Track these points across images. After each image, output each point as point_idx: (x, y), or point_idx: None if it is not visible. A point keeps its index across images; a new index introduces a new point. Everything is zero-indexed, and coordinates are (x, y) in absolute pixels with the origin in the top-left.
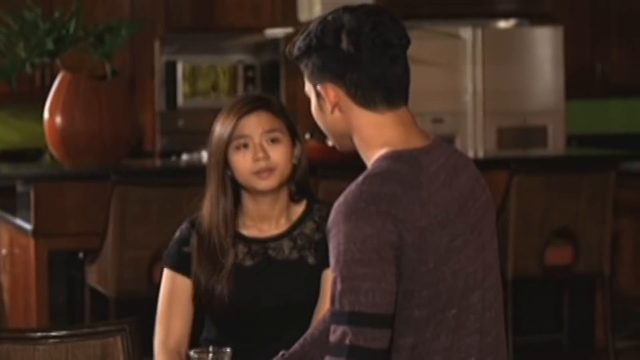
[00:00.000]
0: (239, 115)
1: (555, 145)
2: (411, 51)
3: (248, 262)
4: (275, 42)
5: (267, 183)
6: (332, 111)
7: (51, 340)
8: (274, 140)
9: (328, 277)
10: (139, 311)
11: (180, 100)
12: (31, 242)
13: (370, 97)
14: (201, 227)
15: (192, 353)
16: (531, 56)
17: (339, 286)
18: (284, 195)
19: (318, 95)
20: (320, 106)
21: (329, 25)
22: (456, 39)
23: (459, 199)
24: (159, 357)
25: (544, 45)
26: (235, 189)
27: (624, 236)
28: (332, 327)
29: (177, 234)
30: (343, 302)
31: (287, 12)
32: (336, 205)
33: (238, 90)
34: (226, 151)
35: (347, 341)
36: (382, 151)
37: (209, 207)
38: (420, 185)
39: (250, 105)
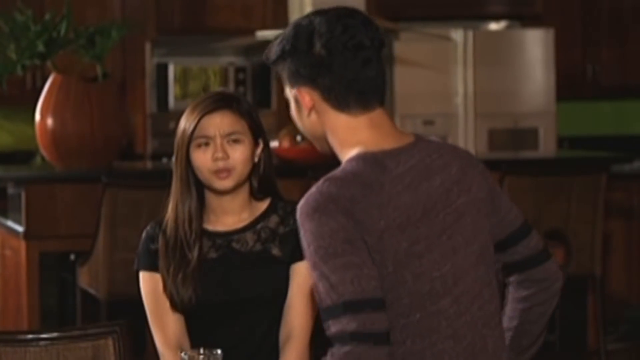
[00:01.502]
0: (202, 113)
1: (546, 147)
2: (402, 53)
3: (212, 255)
4: (266, 44)
5: (224, 183)
6: (309, 114)
7: (42, 343)
8: (235, 141)
9: (296, 271)
10: (130, 313)
11: (171, 102)
12: (22, 244)
13: (344, 100)
14: (167, 225)
15: (183, 355)
16: (522, 58)
17: (322, 284)
18: (244, 190)
19: (296, 98)
20: (299, 109)
21: (302, 30)
22: (447, 40)
23: (426, 203)
24: (165, 359)
25: (535, 47)
26: (198, 185)
27: (614, 238)
28: (327, 324)
29: (144, 234)
30: (332, 296)
31: (278, 14)
32: (298, 207)
33: None
34: (188, 148)
35: (348, 329)
36: (353, 152)
37: (174, 204)
38: (381, 187)
39: (214, 105)
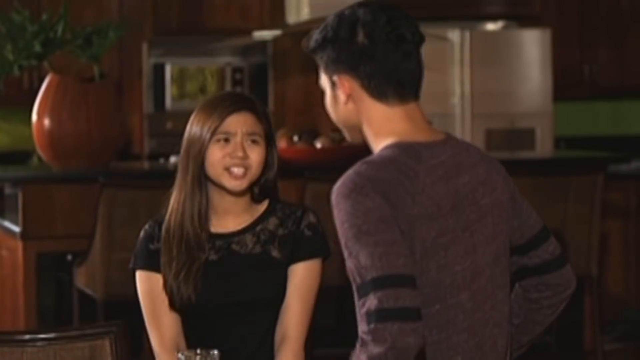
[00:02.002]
0: (229, 110)
1: (543, 147)
2: None
3: (212, 257)
4: (263, 44)
5: (239, 183)
6: (346, 102)
7: (39, 343)
8: (254, 142)
9: (294, 272)
10: (127, 313)
11: (168, 102)
12: (19, 245)
13: (383, 89)
14: (170, 222)
15: (179, 355)
16: (519, 58)
17: (353, 262)
18: (247, 193)
19: (333, 87)
20: (335, 98)
21: (345, 19)
22: (444, 41)
23: (455, 197)
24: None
25: (532, 47)
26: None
27: (611, 238)
28: (360, 303)
29: (142, 233)
30: (362, 273)
31: (275, 15)
32: (335, 188)
33: None
34: (208, 144)
35: (374, 307)
36: (388, 141)
37: (181, 200)
38: (417, 175)
39: (240, 104)
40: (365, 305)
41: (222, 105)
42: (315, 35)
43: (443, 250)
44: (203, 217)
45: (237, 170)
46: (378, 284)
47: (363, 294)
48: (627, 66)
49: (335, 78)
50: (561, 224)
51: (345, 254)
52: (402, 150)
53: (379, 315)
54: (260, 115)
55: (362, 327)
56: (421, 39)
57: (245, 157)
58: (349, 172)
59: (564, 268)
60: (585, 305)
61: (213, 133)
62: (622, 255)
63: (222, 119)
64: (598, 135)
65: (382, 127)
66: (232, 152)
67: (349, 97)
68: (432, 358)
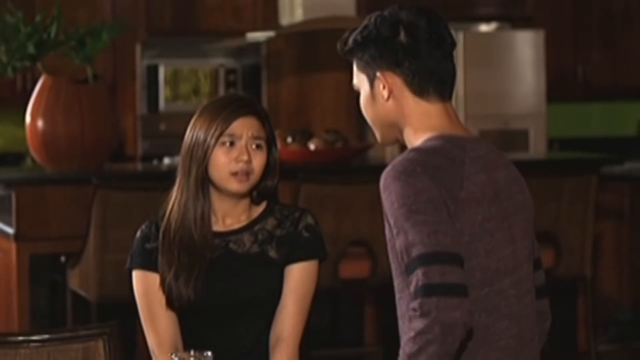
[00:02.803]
0: (234, 115)
1: (537, 148)
2: None
3: (209, 255)
4: (256, 45)
5: (241, 186)
6: (387, 99)
7: (33, 344)
8: (257, 146)
9: (290, 272)
10: (121, 315)
11: (161, 103)
12: (13, 246)
13: (425, 86)
14: (169, 223)
15: (173, 357)
16: (513, 59)
17: (402, 239)
18: (247, 195)
19: (372, 85)
20: (374, 96)
21: (387, 19)
22: None
23: (495, 188)
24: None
25: (526, 48)
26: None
27: (605, 239)
28: (409, 280)
29: (138, 233)
30: (410, 251)
31: (269, 16)
32: (384, 173)
33: (219, 93)
34: (214, 147)
35: (421, 282)
36: (429, 134)
37: (182, 202)
38: (462, 163)
39: (245, 108)
40: (412, 281)
41: (228, 109)
42: (354, 36)
43: (489, 235)
44: (207, 219)
45: (242, 174)
46: (425, 260)
47: (411, 271)
48: (620, 67)
49: (379, 74)
50: (554, 225)
51: (394, 232)
52: (447, 141)
53: (425, 290)
54: (264, 119)
55: (410, 304)
56: (455, 43)
57: (249, 160)
58: (398, 158)
59: (547, 298)
60: (579, 306)
61: (219, 137)
62: (616, 257)
63: (228, 123)
64: (591, 137)
65: (422, 122)
66: (237, 156)
67: (391, 93)
68: (479, 341)
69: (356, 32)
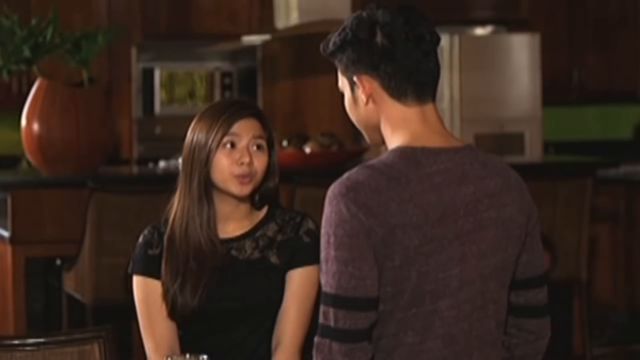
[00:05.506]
0: (235, 117)
1: (532, 152)
2: None
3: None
4: (252, 48)
5: (243, 188)
6: (367, 102)
7: (28, 348)
8: (258, 147)
9: (292, 278)
10: (116, 318)
11: (157, 107)
12: (8, 249)
13: (402, 89)
14: (174, 232)
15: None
16: (508, 63)
17: (321, 267)
18: (248, 199)
19: (352, 88)
20: (355, 99)
21: (364, 20)
22: None
23: (448, 206)
24: None
25: (521, 52)
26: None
27: (600, 243)
28: None
29: (141, 239)
30: (321, 282)
31: (264, 19)
32: (331, 186)
33: (215, 97)
34: (216, 150)
35: (320, 319)
36: (395, 144)
37: (186, 211)
38: (408, 183)
39: (246, 110)
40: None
41: (229, 111)
42: (334, 38)
43: (425, 258)
44: (212, 225)
45: (244, 176)
46: (325, 300)
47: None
48: (615, 71)
49: (355, 79)
50: (550, 229)
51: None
52: (402, 156)
53: (321, 330)
54: (264, 121)
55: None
56: (438, 39)
57: (251, 162)
58: (346, 174)
59: (543, 318)
60: (574, 309)
61: (220, 139)
62: (611, 260)
63: (229, 125)
64: (587, 140)
65: (398, 126)
66: (239, 158)
67: (369, 97)
68: (404, 357)
69: (335, 34)
